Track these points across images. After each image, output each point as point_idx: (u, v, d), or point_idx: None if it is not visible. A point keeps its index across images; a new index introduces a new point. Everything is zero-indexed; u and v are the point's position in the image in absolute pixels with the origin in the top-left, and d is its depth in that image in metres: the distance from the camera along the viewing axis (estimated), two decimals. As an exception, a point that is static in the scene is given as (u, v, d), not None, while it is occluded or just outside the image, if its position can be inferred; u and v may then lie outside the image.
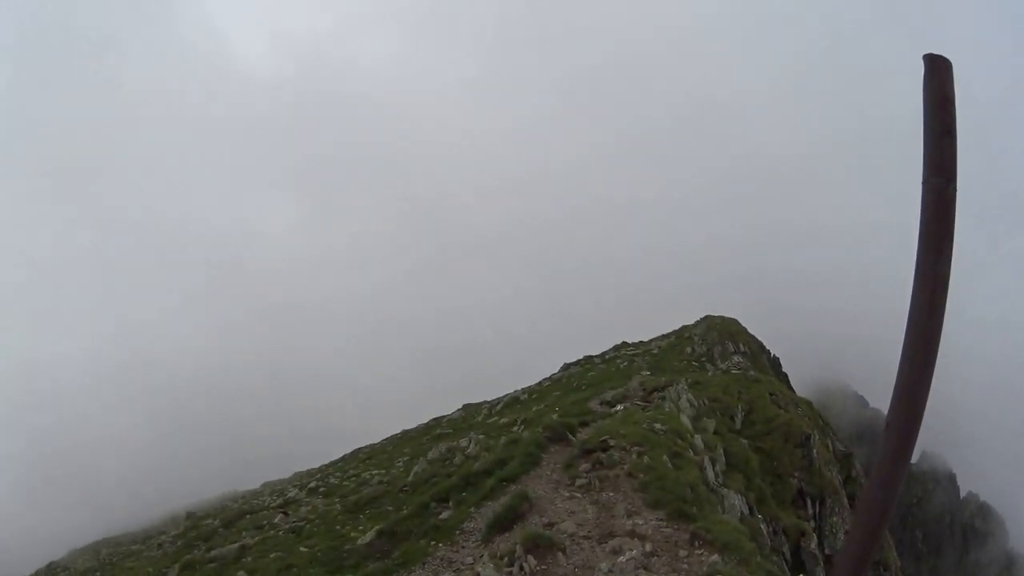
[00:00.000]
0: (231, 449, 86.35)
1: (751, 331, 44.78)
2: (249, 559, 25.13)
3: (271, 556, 23.94)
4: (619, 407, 22.22)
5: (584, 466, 15.12)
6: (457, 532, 13.81)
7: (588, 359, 41.69)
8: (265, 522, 28.83)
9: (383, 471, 30.12)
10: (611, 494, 13.95)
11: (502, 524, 13.15)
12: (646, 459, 14.79)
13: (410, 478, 24.08)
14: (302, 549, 22.85)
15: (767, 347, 46.45)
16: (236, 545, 27.06)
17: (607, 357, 40.43)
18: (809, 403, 36.65)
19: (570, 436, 18.05)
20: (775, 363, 46.39)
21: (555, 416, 21.80)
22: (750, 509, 18.65)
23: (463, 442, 24.33)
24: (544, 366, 43.85)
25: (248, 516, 32.47)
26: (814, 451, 26.93)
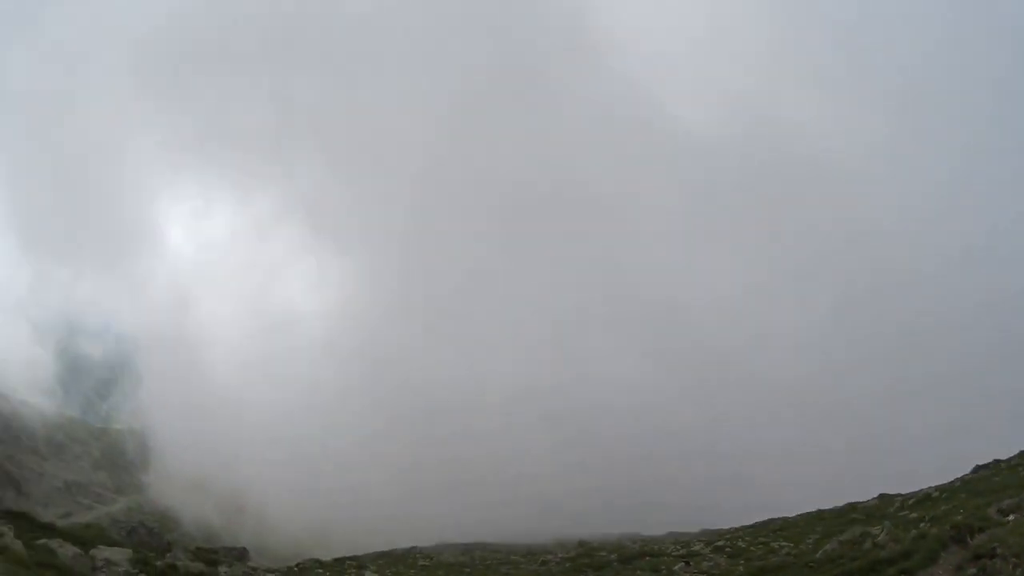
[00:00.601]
0: (637, 492, 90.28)
1: None
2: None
3: (691, 598, 27.26)
4: (1011, 516, 22.77)
5: (971, 571, 16.40)
6: (850, 611, 15.90)
7: (996, 463, 41.34)
8: (664, 567, 32.50)
9: (792, 544, 32.64)
10: (982, 600, 15.20)
11: (888, 612, 15.00)
12: (1019, 572, 16.08)
13: (818, 555, 26.61)
14: (695, 598, 25.96)
15: None
16: (630, 581, 30.91)
17: (1012, 464, 39.47)
18: None
19: (968, 539, 19.24)
20: None
21: (959, 518, 23.01)
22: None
23: (875, 530, 26.43)
24: (956, 462, 43.15)
25: (647, 558, 36.18)
26: None
